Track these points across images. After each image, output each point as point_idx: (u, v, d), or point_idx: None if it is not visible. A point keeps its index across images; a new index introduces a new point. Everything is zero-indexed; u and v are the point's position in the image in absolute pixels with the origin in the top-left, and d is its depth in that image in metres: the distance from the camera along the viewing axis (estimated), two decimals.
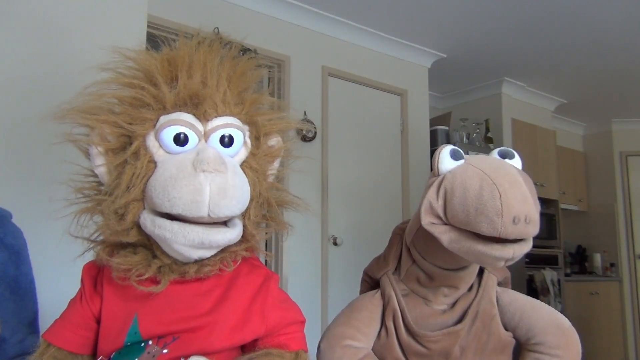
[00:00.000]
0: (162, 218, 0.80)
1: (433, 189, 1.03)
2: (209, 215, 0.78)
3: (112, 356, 0.87)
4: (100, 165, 0.87)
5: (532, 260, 4.26)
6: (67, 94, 1.98)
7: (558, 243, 4.66)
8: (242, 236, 0.89)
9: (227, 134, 0.86)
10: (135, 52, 0.94)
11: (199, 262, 0.86)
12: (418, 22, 3.52)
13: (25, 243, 1.25)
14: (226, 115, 0.88)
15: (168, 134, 0.83)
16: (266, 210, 0.95)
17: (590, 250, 5.52)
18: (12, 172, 1.77)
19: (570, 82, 4.56)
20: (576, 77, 4.43)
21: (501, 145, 4.37)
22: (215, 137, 0.86)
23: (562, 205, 5.00)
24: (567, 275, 4.79)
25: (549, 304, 4.46)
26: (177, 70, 0.88)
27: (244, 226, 0.88)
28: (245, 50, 2.97)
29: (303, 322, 0.98)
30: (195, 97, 0.86)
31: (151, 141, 0.84)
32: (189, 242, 0.79)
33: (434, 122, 4.18)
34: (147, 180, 0.82)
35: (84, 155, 0.93)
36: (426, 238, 1.08)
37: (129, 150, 0.84)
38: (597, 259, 5.36)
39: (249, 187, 0.86)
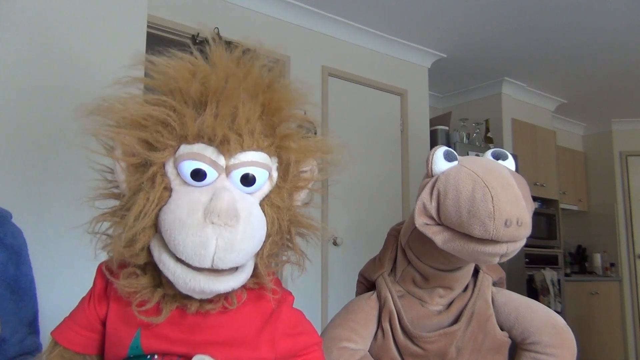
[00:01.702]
0: (169, 255, 0.77)
1: (427, 190, 1.04)
2: (212, 266, 0.75)
3: None
4: (123, 181, 0.84)
5: (532, 260, 4.26)
6: (66, 93, 1.99)
7: (558, 243, 4.66)
8: (252, 274, 0.85)
9: (250, 173, 0.81)
10: (170, 61, 0.88)
11: (202, 300, 0.83)
12: (418, 22, 3.52)
13: (25, 243, 1.26)
14: (252, 150, 0.82)
15: (187, 168, 0.79)
16: (285, 240, 0.90)
17: (590, 250, 5.52)
18: (12, 172, 1.78)
19: (570, 82, 4.56)
20: (576, 77, 4.43)
21: (501, 146, 4.38)
22: (237, 175, 0.80)
23: (562, 205, 5.01)
24: (567, 275, 4.79)
25: (548, 304, 4.43)
26: (207, 98, 0.82)
27: (255, 264, 0.84)
28: (245, 50, 2.97)
29: (317, 343, 0.93)
30: (220, 130, 0.79)
31: (170, 168, 0.80)
32: (189, 289, 0.77)
33: (434, 122, 4.18)
34: (161, 208, 0.79)
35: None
36: (421, 239, 1.08)
37: (145, 175, 0.80)
38: (597, 259, 5.36)
39: (263, 232, 0.81)
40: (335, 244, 3.32)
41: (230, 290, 0.80)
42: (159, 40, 2.83)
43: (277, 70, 0.91)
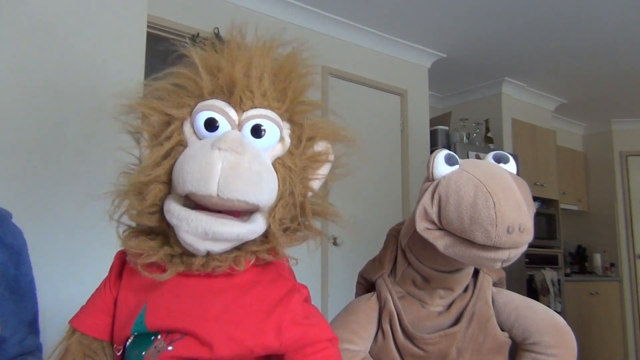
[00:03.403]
0: (175, 201, 0.79)
1: (428, 195, 1.03)
2: (217, 195, 0.74)
3: (126, 345, 0.87)
4: (145, 147, 0.88)
5: (532, 260, 4.26)
6: (66, 93, 1.99)
7: (558, 243, 4.66)
8: (264, 236, 0.85)
9: (260, 124, 0.83)
10: (189, 45, 0.93)
11: (208, 255, 0.81)
12: (418, 22, 3.52)
13: (25, 243, 1.25)
14: (263, 107, 0.86)
15: (200, 119, 0.83)
16: (299, 216, 0.89)
17: (590, 250, 5.52)
18: (12, 172, 1.78)
19: (570, 82, 4.56)
20: (576, 77, 4.43)
21: (501, 146, 4.38)
22: (248, 126, 0.83)
23: (562, 205, 5.00)
24: (567, 275, 4.79)
25: (548, 304, 4.44)
26: (221, 60, 0.87)
27: (268, 225, 0.84)
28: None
29: (329, 339, 0.88)
30: (233, 84, 0.85)
31: (187, 126, 0.84)
32: (192, 230, 0.76)
33: (434, 122, 4.18)
34: (175, 163, 0.81)
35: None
36: (422, 241, 1.08)
37: (164, 134, 0.84)
38: (597, 259, 5.36)
39: (273, 179, 0.82)
40: (335, 244, 3.32)
41: (235, 236, 0.79)
42: (159, 40, 2.83)
43: (290, 50, 0.97)
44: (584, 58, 4.02)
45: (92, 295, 0.95)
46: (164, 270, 0.83)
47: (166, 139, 0.84)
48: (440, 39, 3.77)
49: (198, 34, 2.86)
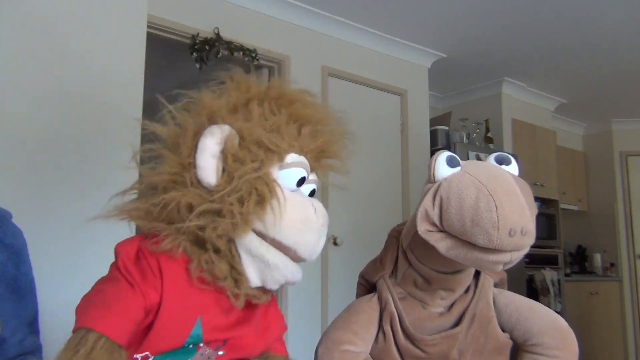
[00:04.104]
0: (269, 246, 0.89)
1: (429, 197, 1.03)
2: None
3: (161, 355, 0.84)
4: (210, 165, 0.88)
5: (532, 260, 4.26)
6: (66, 93, 1.99)
7: (558, 243, 4.66)
8: None
9: (315, 190, 1.00)
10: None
11: (264, 289, 0.93)
12: (418, 22, 3.52)
13: (25, 243, 1.25)
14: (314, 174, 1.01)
15: (295, 174, 0.92)
16: None
17: (590, 250, 5.52)
18: (12, 172, 1.78)
19: (570, 82, 4.56)
20: (576, 77, 4.43)
21: (501, 146, 4.38)
22: (307, 189, 0.97)
23: (562, 205, 5.00)
24: (567, 275, 4.79)
25: (548, 304, 4.44)
26: (305, 122, 0.99)
27: None
28: (245, 50, 2.97)
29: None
30: (321, 152, 1.00)
31: (275, 172, 0.91)
32: (280, 276, 0.90)
33: (434, 122, 4.18)
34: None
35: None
36: (423, 243, 1.07)
37: (263, 167, 0.89)
38: (597, 259, 5.36)
39: None
40: (335, 244, 3.32)
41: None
42: (159, 40, 2.83)
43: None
44: (584, 58, 4.02)
45: (115, 296, 0.83)
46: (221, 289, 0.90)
47: (263, 185, 0.88)
48: (440, 39, 3.77)
49: (198, 33, 2.86)
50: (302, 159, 0.93)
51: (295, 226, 0.88)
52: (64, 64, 1.93)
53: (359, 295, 1.30)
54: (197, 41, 2.85)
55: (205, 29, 2.89)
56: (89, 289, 0.90)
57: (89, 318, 0.80)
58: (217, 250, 0.88)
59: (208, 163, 0.87)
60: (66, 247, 1.82)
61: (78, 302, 0.86)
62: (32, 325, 1.20)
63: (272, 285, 0.91)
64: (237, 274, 0.88)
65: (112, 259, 0.92)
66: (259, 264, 0.88)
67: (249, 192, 0.86)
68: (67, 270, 1.80)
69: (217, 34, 2.91)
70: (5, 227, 1.21)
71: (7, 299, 1.15)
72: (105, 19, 2.04)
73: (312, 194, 0.98)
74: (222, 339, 0.90)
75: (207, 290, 0.87)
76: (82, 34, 1.98)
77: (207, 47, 2.84)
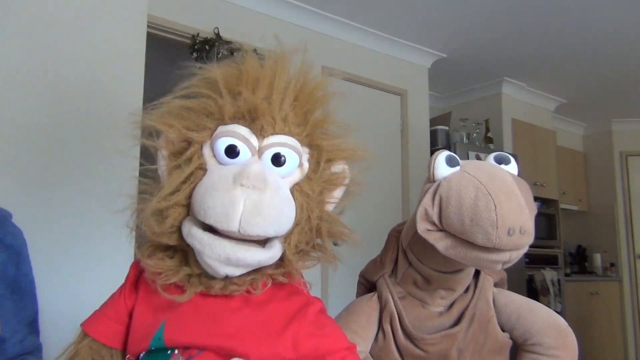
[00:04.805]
0: (198, 228, 0.79)
1: (428, 196, 1.03)
2: (239, 231, 0.76)
3: (140, 357, 0.86)
4: (162, 166, 0.87)
5: (532, 260, 4.26)
6: (66, 93, 1.99)
7: (558, 243, 4.66)
8: (280, 260, 0.86)
9: (281, 153, 0.84)
10: (209, 65, 0.92)
11: (227, 279, 0.83)
12: (418, 22, 3.52)
13: (25, 243, 1.25)
14: (284, 134, 0.86)
15: (221, 145, 0.83)
16: (315, 239, 0.92)
17: (590, 250, 5.52)
18: (12, 172, 1.78)
19: (570, 82, 4.56)
20: (576, 77, 4.43)
21: (501, 146, 4.38)
22: (268, 154, 0.84)
23: (562, 205, 5.01)
24: (567, 275, 4.79)
25: (548, 304, 4.44)
26: (242, 84, 0.87)
27: (284, 250, 0.86)
28: (245, 51, 2.97)
29: (347, 347, 0.90)
30: (254, 111, 0.84)
31: (207, 150, 0.84)
32: (215, 256, 0.77)
33: (434, 122, 4.18)
34: (194, 187, 0.81)
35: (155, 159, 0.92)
36: (423, 242, 1.07)
37: (184, 156, 0.84)
38: (597, 259, 5.36)
39: (292, 210, 0.83)
40: (335, 243, 3.31)
41: (256, 263, 0.80)
42: (159, 40, 2.83)
43: (308, 66, 0.96)
44: (584, 58, 4.02)
45: (107, 301, 0.95)
46: (181, 289, 0.84)
47: (186, 163, 0.83)
48: (440, 39, 3.77)
49: (198, 34, 2.86)
50: (231, 127, 0.83)
51: (200, 197, 0.78)
52: (64, 64, 1.93)
53: (359, 294, 1.30)
54: (197, 41, 2.85)
55: (205, 29, 2.89)
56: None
57: (85, 320, 0.91)
58: (169, 247, 0.86)
59: (159, 166, 0.88)
60: (66, 247, 1.82)
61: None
62: (32, 325, 1.20)
63: (210, 270, 0.80)
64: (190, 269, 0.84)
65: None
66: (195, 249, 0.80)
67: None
68: (67, 270, 1.80)
69: (217, 34, 2.91)
70: (5, 227, 1.21)
71: (7, 299, 1.15)
72: (106, 19, 2.04)
73: (276, 159, 0.84)
74: (195, 346, 0.82)
75: (176, 293, 0.83)
76: (82, 34, 1.98)
77: (207, 47, 2.84)
